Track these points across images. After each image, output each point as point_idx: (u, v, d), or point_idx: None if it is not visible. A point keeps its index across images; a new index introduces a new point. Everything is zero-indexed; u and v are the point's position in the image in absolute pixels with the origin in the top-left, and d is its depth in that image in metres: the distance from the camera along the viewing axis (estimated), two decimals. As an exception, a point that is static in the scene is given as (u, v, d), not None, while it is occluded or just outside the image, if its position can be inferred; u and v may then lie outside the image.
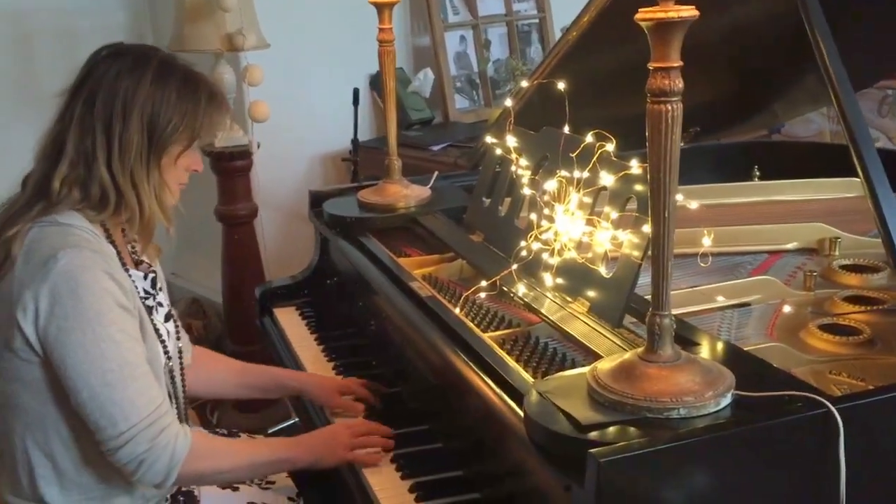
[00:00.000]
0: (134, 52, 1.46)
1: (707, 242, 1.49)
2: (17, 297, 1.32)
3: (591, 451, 0.99)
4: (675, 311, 1.55)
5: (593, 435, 1.05)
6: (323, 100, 3.19)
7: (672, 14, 1.01)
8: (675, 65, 1.04)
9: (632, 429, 1.06)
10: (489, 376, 1.33)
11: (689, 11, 1.02)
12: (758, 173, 2.41)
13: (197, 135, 1.46)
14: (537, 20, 3.92)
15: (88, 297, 1.32)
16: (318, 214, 2.17)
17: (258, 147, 2.85)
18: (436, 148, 3.21)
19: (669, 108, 1.05)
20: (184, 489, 1.54)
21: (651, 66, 1.05)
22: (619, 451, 0.99)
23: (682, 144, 2.74)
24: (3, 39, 3.23)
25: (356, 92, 2.79)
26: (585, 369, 1.20)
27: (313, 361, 1.91)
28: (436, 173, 2.30)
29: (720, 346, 1.31)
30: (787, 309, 1.57)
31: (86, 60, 1.45)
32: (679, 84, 1.05)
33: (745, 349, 1.36)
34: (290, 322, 2.11)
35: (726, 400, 1.11)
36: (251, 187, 2.97)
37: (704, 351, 1.29)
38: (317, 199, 2.22)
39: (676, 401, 1.08)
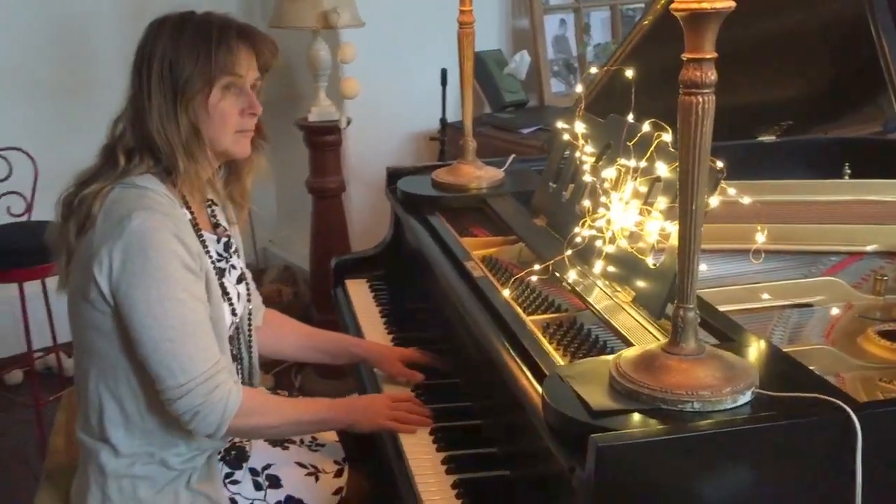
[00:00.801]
0: (161, 17, 1.50)
1: (761, 238, 1.46)
2: (94, 252, 1.42)
3: (592, 435, 1.00)
4: (730, 308, 1.56)
5: (600, 421, 1.06)
6: (416, 79, 3.24)
7: (706, 5, 1.00)
8: (708, 56, 1.03)
9: (641, 418, 1.07)
10: (521, 358, 1.35)
11: (724, 3, 1.00)
12: (848, 171, 2.31)
13: (216, 74, 1.45)
14: (643, 4, 3.84)
15: (156, 258, 1.40)
16: (394, 191, 2.23)
17: (348, 123, 2.93)
18: (525, 131, 3.22)
19: (701, 99, 1.04)
20: (237, 444, 1.63)
21: (684, 56, 1.05)
22: (619, 439, 1.00)
23: (771, 138, 2.66)
24: (122, 14, 3.43)
25: (444, 72, 2.82)
26: (611, 357, 1.21)
27: (373, 333, 1.98)
28: (512, 156, 2.32)
29: (758, 344, 1.29)
30: (834, 311, 1.52)
31: None
32: (711, 76, 1.03)
33: (787, 350, 1.33)
34: (359, 293, 2.18)
35: (745, 398, 1.09)
36: (341, 162, 3.06)
37: (740, 348, 1.27)
38: (393, 177, 2.28)
39: (691, 394, 1.08)
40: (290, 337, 1.89)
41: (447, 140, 3.03)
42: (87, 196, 1.45)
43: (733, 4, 1.01)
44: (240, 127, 1.52)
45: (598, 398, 1.11)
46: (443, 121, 2.99)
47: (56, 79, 3.32)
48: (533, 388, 1.27)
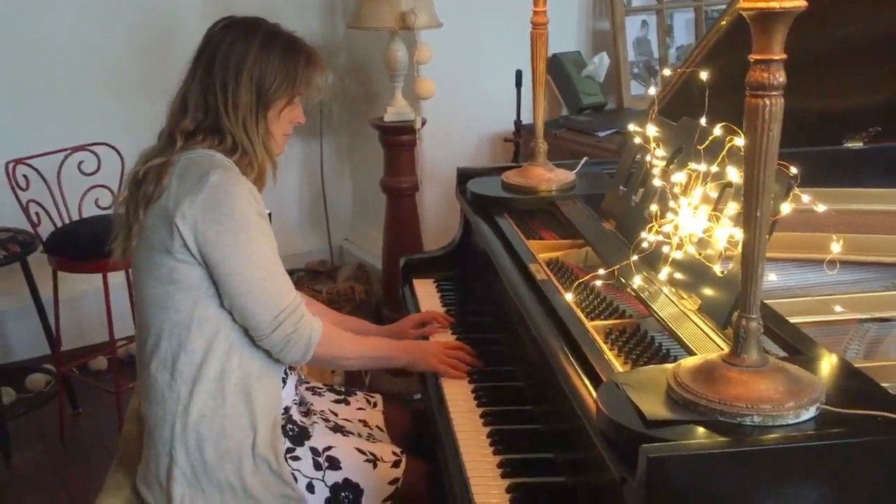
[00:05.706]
0: (244, 22, 1.66)
1: (836, 248, 1.41)
2: (174, 206, 1.53)
3: (643, 445, 0.97)
4: (804, 319, 1.50)
5: (654, 431, 1.03)
6: (492, 80, 3.22)
7: (774, 4, 0.96)
8: (777, 58, 0.99)
9: (697, 430, 1.03)
10: (579, 363, 1.33)
11: (794, 2, 0.97)
12: (939, 180, 2.20)
13: (297, 92, 1.66)
14: (727, 5, 3.74)
15: (237, 207, 1.54)
16: (464, 192, 2.23)
17: (423, 124, 2.94)
18: (602, 134, 3.18)
19: (768, 102, 1.00)
20: (300, 424, 1.68)
21: (752, 57, 1.01)
22: (672, 450, 0.97)
23: (858, 144, 2.56)
24: (207, 16, 3.51)
25: (519, 74, 2.80)
26: (670, 366, 1.18)
27: (437, 332, 1.97)
28: (584, 159, 2.29)
29: (829, 358, 1.24)
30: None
31: (205, 32, 1.67)
32: (779, 78, 1.00)
33: (862, 365, 1.28)
34: (425, 293, 2.19)
35: (809, 413, 1.05)
36: (415, 162, 3.07)
37: (809, 362, 1.22)
38: (463, 177, 2.28)
39: (751, 407, 1.04)
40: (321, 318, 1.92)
41: (522, 142, 3.01)
42: (152, 168, 1.57)
43: (804, 4, 0.98)
44: (288, 131, 1.72)
45: (654, 407, 1.09)
46: (517, 122, 2.98)
47: (142, 78, 3.42)
48: (589, 393, 1.24)
